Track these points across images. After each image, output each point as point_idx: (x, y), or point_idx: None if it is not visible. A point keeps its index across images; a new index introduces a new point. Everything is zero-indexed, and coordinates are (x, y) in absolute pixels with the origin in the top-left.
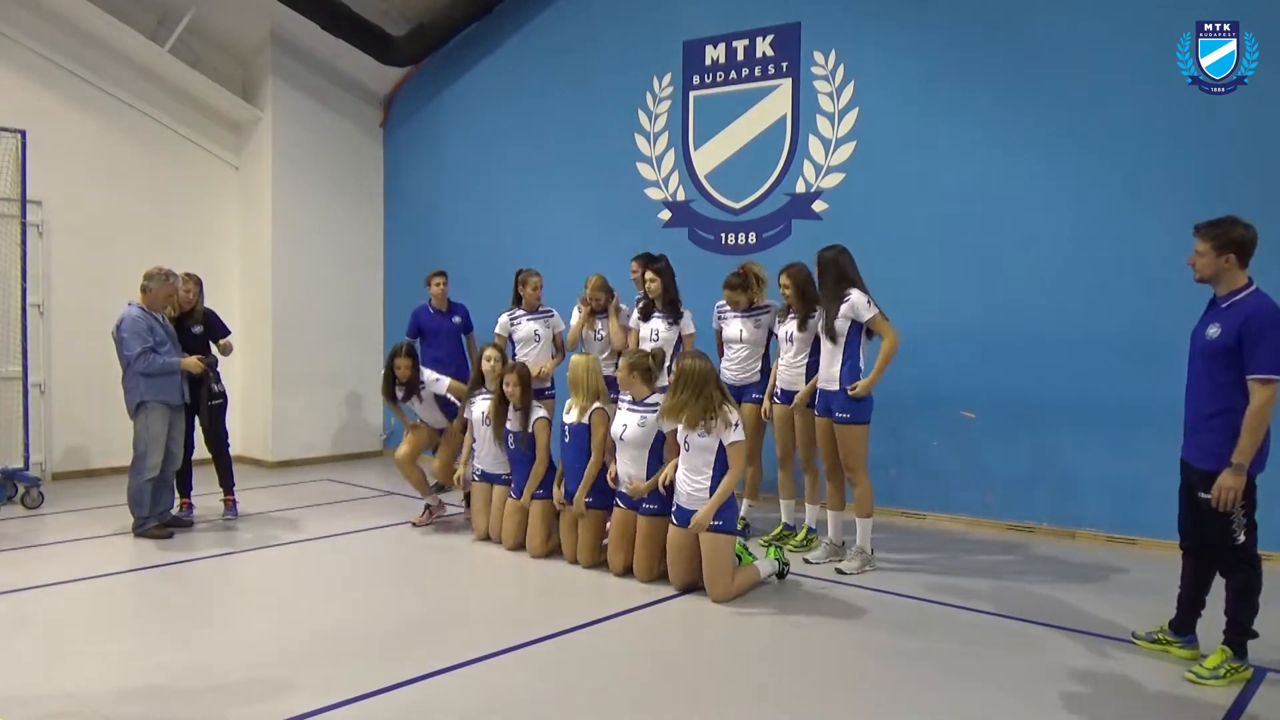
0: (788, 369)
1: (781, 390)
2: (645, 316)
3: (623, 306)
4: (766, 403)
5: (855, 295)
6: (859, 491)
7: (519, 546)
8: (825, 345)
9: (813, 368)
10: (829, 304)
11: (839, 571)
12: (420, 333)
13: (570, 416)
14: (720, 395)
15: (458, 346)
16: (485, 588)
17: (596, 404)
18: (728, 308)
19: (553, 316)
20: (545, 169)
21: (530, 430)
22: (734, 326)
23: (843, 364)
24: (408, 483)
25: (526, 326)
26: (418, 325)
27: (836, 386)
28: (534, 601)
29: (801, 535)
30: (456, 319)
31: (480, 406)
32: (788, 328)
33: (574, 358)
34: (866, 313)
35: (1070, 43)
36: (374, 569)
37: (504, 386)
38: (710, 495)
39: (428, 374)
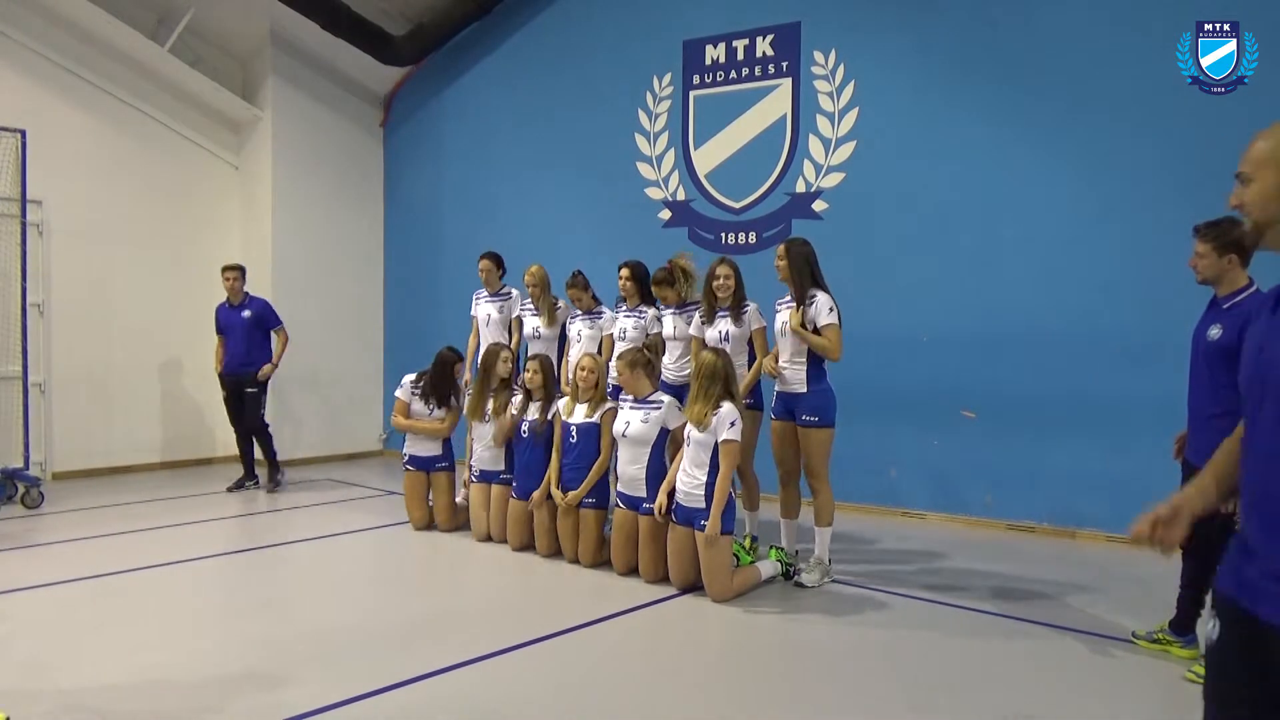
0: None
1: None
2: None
3: (561, 304)
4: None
5: (821, 298)
6: (820, 499)
7: (525, 548)
8: (788, 345)
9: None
10: (797, 302)
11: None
12: (219, 329)
13: (577, 416)
14: (723, 392)
15: (252, 341)
16: (485, 588)
17: (608, 404)
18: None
19: (510, 299)
20: (545, 168)
21: (549, 420)
22: (668, 324)
23: (808, 365)
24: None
25: (484, 308)
26: (217, 321)
27: (803, 389)
28: (534, 601)
29: None
30: (247, 313)
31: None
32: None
33: (583, 358)
34: (825, 319)
35: (1070, 42)
36: (374, 569)
37: (525, 373)
38: (704, 492)
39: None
